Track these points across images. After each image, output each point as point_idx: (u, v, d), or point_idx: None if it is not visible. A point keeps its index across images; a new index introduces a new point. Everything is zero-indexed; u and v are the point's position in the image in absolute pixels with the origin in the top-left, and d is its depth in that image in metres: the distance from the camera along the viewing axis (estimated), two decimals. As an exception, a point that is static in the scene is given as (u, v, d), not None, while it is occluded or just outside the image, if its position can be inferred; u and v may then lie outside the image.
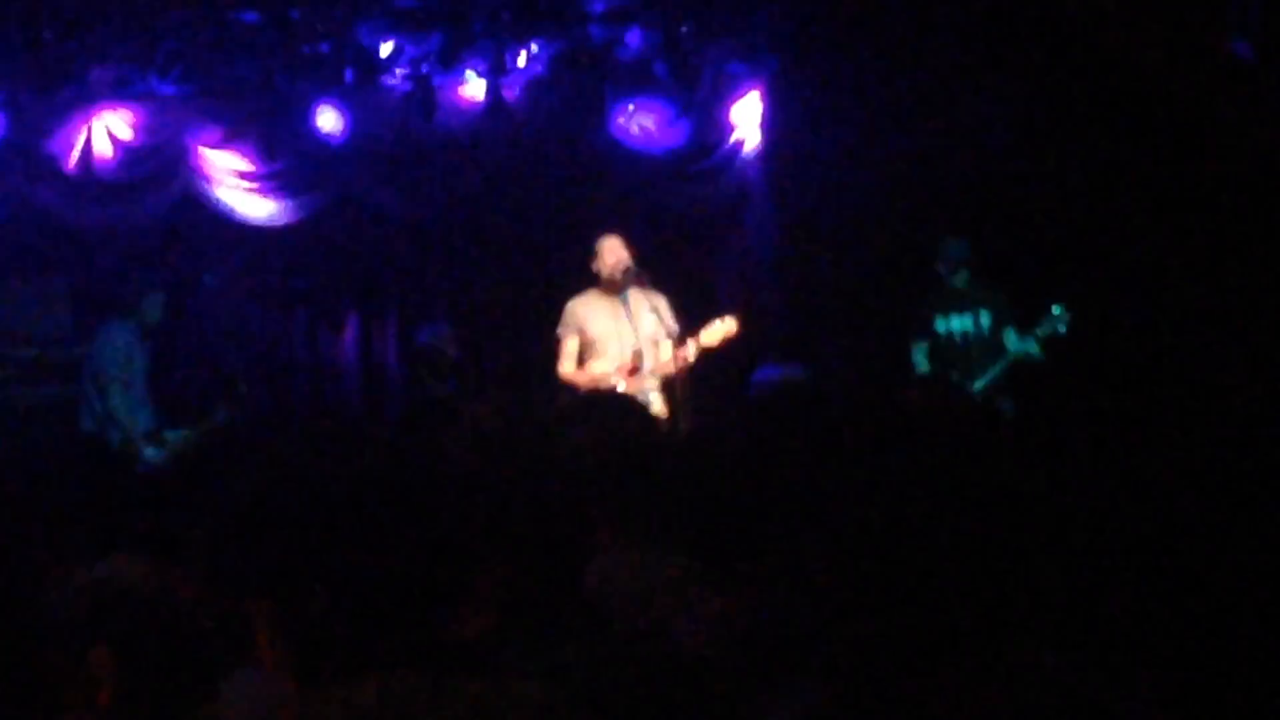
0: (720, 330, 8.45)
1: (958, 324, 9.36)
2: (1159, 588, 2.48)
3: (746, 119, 11.43)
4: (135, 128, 10.28)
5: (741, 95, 11.40)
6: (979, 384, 9.08)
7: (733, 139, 11.47)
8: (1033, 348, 8.97)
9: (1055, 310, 8.90)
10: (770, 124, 11.35)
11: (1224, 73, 8.99)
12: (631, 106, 11.06)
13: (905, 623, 1.93)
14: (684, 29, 10.86)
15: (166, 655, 2.09)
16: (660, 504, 2.98)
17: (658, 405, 8.40)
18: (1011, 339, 9.15)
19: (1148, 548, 2.54)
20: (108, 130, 10.20)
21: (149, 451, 8.88)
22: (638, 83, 11.05)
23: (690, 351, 8.29)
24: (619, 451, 3.08)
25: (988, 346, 9.24)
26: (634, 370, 8.41)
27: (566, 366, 8.60)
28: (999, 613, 2.34)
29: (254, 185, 10.50)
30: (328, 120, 10.49)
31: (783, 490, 2.06)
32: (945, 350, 9.38)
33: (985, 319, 9.31)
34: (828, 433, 2.14)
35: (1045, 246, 9.78)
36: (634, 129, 11.13)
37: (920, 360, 9.44)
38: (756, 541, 2.31)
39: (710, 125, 11.38)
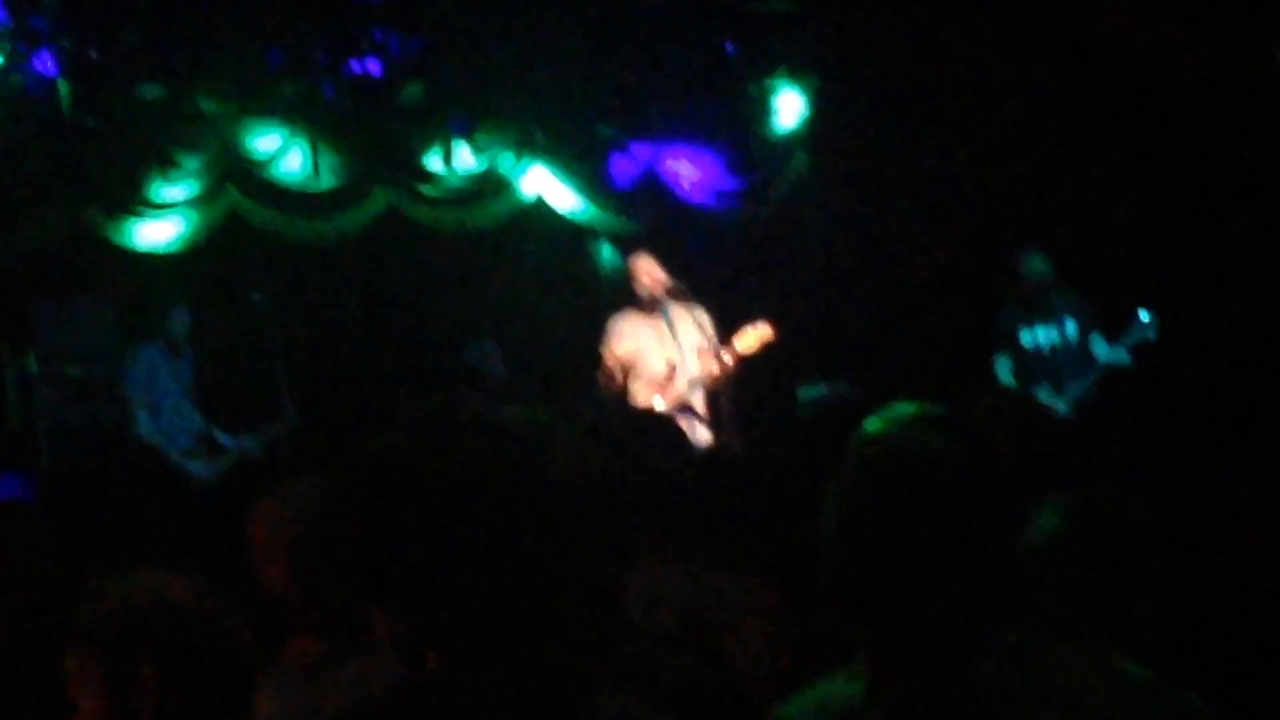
0: (755, 336, 8.39)
1: (1043, 335, 9.26)
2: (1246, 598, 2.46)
3: (789, 117, 11.39)
4: (184, 144, 10.32)
5: (787, 109, 11.37)
6: (1070, 395, 8.99)
7: (778, 155, 11.45)
8: (1123, 356, 8.88)
9: (1143, 316, 8.80)
10: (816, 137, 11.32)
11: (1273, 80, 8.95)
12: (670, 162, 11.08)
13: (949, 638, 1.91)
14: (729, 46, 10.86)
15: (205, 672, 2.07)
16: (701, 522, 2.96)
17: (701, 422, 8.38)
18: (1101, 347, 9.03)
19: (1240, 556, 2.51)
20: (159, 147, 10.24)
21: (194, 466, 8.91)
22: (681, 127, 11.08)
23: (728, 359, 8.26)
24: (651, 470, 3.06)
25: (1076, 356, 9.13)
26: (669, 380, 8.38)
27: (611, 384, 8.58)
28: (1046, 626, 2.31)
29: (301, 202, 10.54)
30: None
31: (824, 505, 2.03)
32: (1031, 362, 9.26)
33: (1071, 328, 9.20)
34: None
35: (1112, 255, 9.71)
36: (685, 184, 11.16)
37: (1004, 373, 9.32)
38: (802, 558, 2.28)
39: (755, 150, 11.40)
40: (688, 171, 11.18)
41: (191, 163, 10.33)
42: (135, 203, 10.18)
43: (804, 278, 11.56)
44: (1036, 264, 9.24)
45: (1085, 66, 10.13)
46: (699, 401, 8.44)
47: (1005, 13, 10.14)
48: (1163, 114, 9.94)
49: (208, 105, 10.28)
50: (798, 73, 11.22)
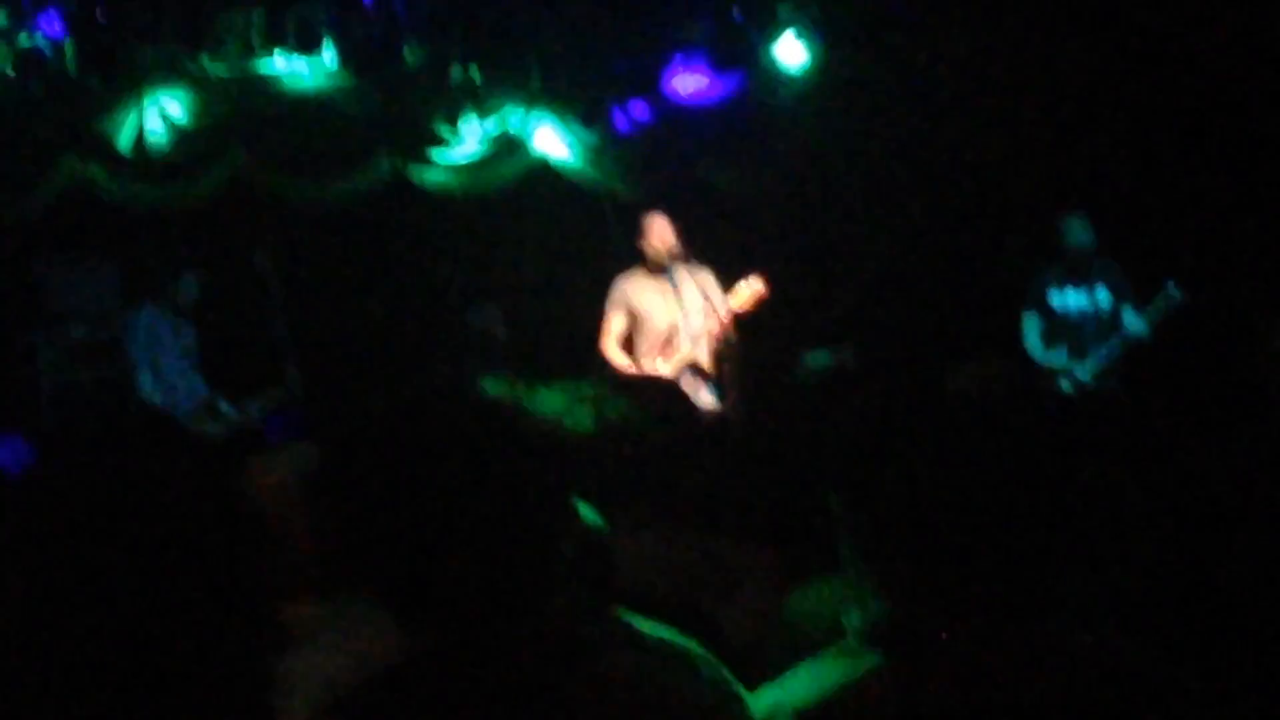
0: (747, 292, 8.37)
1: (1074, 300, 9.25)
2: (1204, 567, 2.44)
3: (791, 59, 11.34)
4: (187, 108, 10.30)
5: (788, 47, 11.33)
6: (1090, 363, 9.02)
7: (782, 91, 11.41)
8: (1143, 328, 8.89)
9: (1170, 290, 8.79)
10: (820, 101, 11.29)
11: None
12: (680, 74, 11.03)
13: (943, 602, 1.90)
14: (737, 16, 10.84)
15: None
16: (702, 488, 2.94)
17: (705, 384, 8.37)
18: (1130, 318, 9.03)
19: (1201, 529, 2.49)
20: (160, 110, 10.22)
21: (196, 428, 8.90)
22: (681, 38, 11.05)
23: (724, 315, 8.25)
24: (643, 434, 3.05)
25: (1104, 324, 9.14)
26: (670, 341, 8.38)
27: (609, 343, 8.58)
28: (1035, 591, 2.29)
29: (308, 165, 10.53)
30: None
31: (826, 472, 2.02)
32: (1058, 325, 9.26)
33: (1103, 296, 9.19)
34: (873, 415, 2.10)
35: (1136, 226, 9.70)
36: (685, 93, 11.10)
37: (1030, 333, 9.31)
38: (804, 524, 2.27)
39: (758, 77, 11.36)
40: (689, 82, 11.11)
41: (197, 124, 10.32)
42: (140, 164, 10.18)
43: (807, 244, 11.53)
44: (1077, 230, 9.22)
45: (1097, 32, 10.10)
46: (702, 363, 8.43)
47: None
48: (1159, 83, 9.93)
49: (213, 68, 10.25)
50: (801, 35, 11.16)
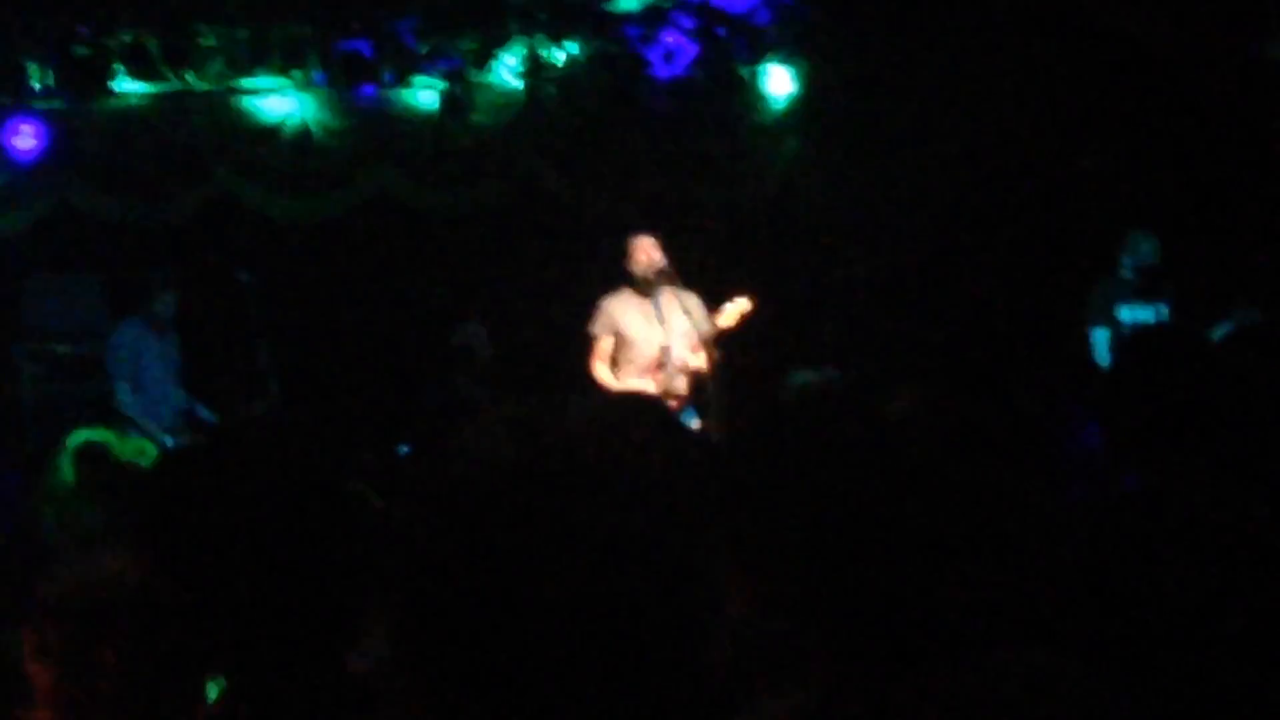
0: (735, 310, 8.37)
1: (1141, 315, 9.25)
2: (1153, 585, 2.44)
3: (779, 91, 11.40)
4: (168, 125, 10.30)
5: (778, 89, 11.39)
6: None
7: (769, 141, 11.47)
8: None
9: (1234, 316, 8.79)
10: (807, 121, 11.33)
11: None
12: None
13: (900, 622, 1.89)
14: (720, 31, 10.84)
15: (164, 657, 2.03)
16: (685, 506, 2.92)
17: (688, 407, 8.37)
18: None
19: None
20: (141, 127, 10.21)
21: (169, 441, 8.88)
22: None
23: (710, 335, 8.25)
24: (636, 454, 3.02)
25: None
26: (660, 366, 8.36)
27: (597, 365, 8.57)
28: (991, 611, 2.29)
29: (291, 182, 10.53)
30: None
31: (806, 494, 2.01)
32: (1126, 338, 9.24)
33: (1166, 313, 9.21)
34: (860, 437, 2.09)
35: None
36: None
37: (1101, 346, 9.29)
38: (782, 548, 2.26)
39: (747, 138, 11.43)
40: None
41: (184, 141, 10.33)
42: (122, 180, 10.18)
43: (794, 264, 11.54)
44: (1146, 247, 9.22)
45: (1083, 50, 10.13)
46: (684, 387, 8.42)
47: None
48: (1142, 97, 9.97)
49: (199, 84, 10.24)
50: (789, 58, 11.19)
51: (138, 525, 2.01)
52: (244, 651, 1.84)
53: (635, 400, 3.89)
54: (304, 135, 10.54)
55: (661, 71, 11.05)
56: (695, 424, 8.31)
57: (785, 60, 11.23)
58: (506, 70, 10.82)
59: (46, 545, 3.39)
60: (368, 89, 10.51)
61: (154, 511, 1.91)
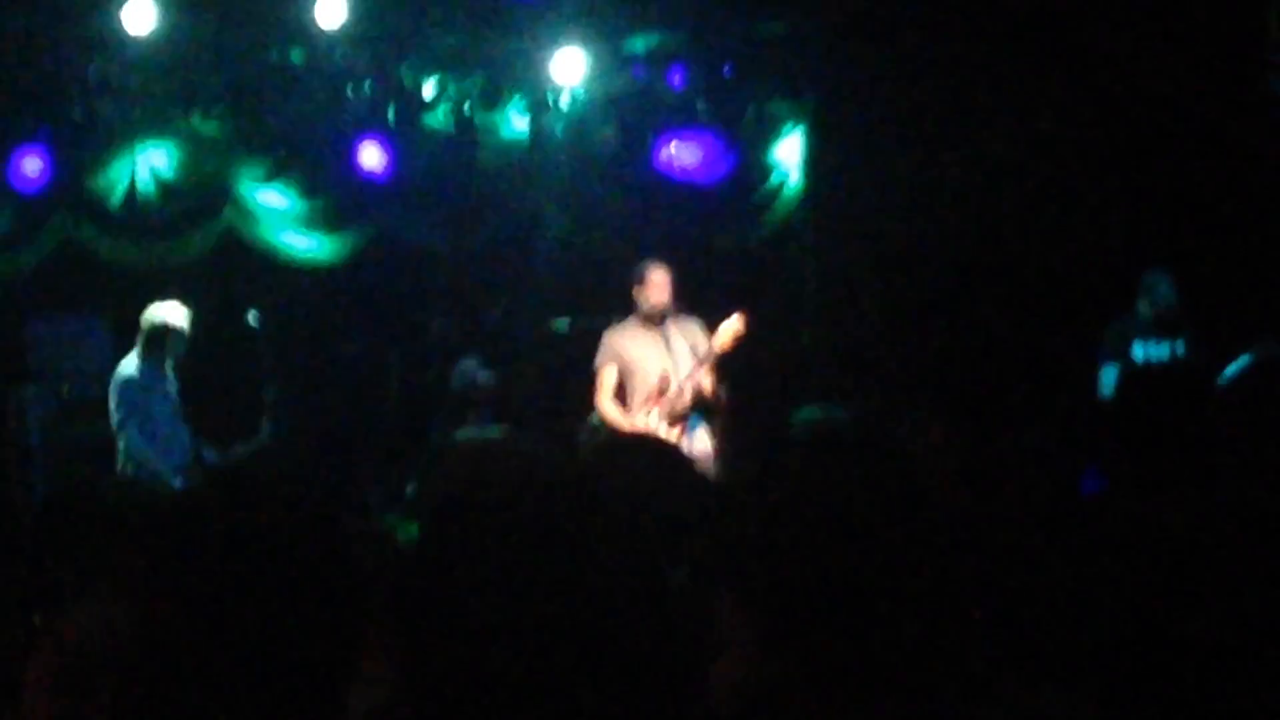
0: (729, 331, 8.41)
1: (1155, 353, 9.22)
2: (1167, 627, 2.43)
3: (789, 158, 11.45)
4: (178, 165, 10.33)
5: (784, 135, 11.43)
6: None
7: (775, 178, 11.49)
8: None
9: (1254, 351, 8.75)
10: (813, 163, 11.36)
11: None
12: (674, 144, 11.09)
13: (906, 663, 1.88)
14: (726, 68, 10.88)
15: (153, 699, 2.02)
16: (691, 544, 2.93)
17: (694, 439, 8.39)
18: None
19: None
20: (151, 168, 10.24)
21: (178, 483, 8.85)
22: (680, 120, 11.09)
23: (706, 358, 8.29)
24: (646, 495, 3.03)
25: None
26: (661, 393, 8.37)
27: (604, 399, 8.57)
28: (1001, 651, 2.28)
29: (296, 221, 10.54)
30: (371, 157, 10.49)
31: (813, 533, 2.00)
32: None
33: (1181, 352, 9.18)
34: (867, 475, 2.09)
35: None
36: (677, 165, 11.17)
37: (1108, 383, 9.25)
38: (786, 583, 2.25)
39: (753, 164, 11.44)
40: (683, 155, 11.18)
41: (188, 182, 10.35)
42: (130, 220, 10.19)
43: (800, 302, 11.55)
44: (1163, 286, 9.20)
45: (1088, 88, 10.15)
46: (687, 405, 8.44)
47: (1002, 32, 10.15)
48: (1163, 136, 9.97)
49: (204, 128, 10.27)
50: (795, 94, 11.24)
51: (138, 569, 2.01)
52: (244, 694, 1.83)
53: (642, 439, 3.91)
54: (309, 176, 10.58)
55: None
56: (703, 431, 8.36)
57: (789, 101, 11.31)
58: (514, 111, 10.88)
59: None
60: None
61: (153, 556, 1.91)
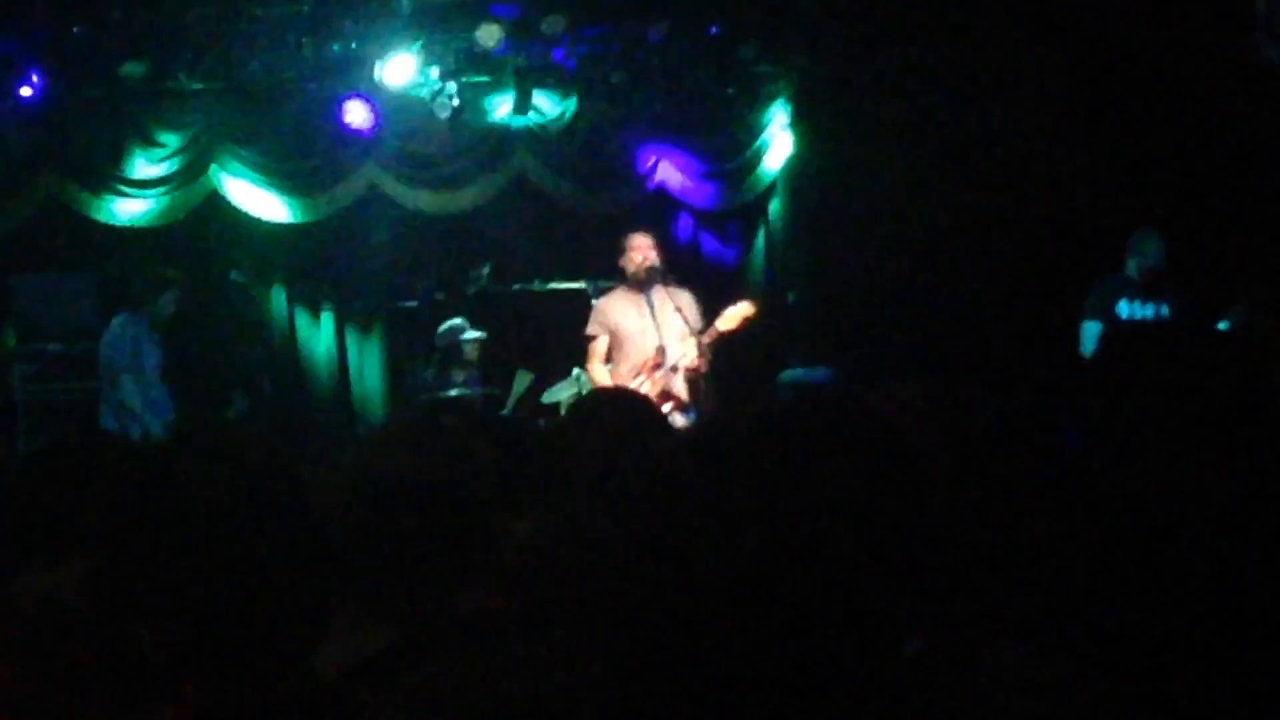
0: (737, 314, 8.41)
1: (1140, 313, 9.22)
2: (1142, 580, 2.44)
3: (774, 123, 11.47)
4: (166, 122, 10.29)
5: (769, 100, 11.44)
6: None
7: (761, 143, 11.51)
8: None
9: (1241, 310, 8.78)
10: (797, 128, 11.38)
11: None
12: (653, 159, 11.14)
13: (884, 617, 1.88)
14: (711, 32, 10.85)
15: (92, 680, 1.99)
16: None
17: (681, 409, 8.38)
18: None
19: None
20: (138, 127, 10.20)
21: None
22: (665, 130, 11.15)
23: (708, 340, 8.27)
24: (623, 449, 3.05)
25: None
26: (656, 366, 8.37)
27: (595, 366, 8.57)
28: (973, 607, 2.29)
29: (282, 181, 10.51)
30: (357, 115, 10.42)
31: (801, 492, 2.01)
32: None
33: (1166, 313, 9.18)
34: (856, 435, 2.09)
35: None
36: (674, 184, 11.23)
37: (1089, 339, 9.23)
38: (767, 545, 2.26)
39: (738, 129, 11.45)
40: (668, 161, 11.26)
41: (173, 140, 10.32)
42: (116, 179, 10.17)
43: (788, 261, 11.56)
44: (1151, 245, 9.20)
45: (1077, 53, 10.14)
46: (680, 387, 8.42)
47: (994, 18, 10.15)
48: (1151, 100, 9.98)
49: (190, 83, 10.23)
50: (782, 57, 11.23)
51: (96, 529, 2.00)
52: (206, 657, 1.83)
53: (616, 394, 3.93)
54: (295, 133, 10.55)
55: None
56: (685, 423, 8.33)
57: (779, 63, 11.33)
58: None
59: None
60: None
61: (112, 515, 1.90)
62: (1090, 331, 9.20)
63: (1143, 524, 2.53)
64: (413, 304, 10.98)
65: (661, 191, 11.31)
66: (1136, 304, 9.23)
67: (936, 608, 1.89)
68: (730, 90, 11.29)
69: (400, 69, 10.20)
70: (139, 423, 8.93)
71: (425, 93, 10.51)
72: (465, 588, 2.26)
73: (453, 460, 2.29)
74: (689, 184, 11.40)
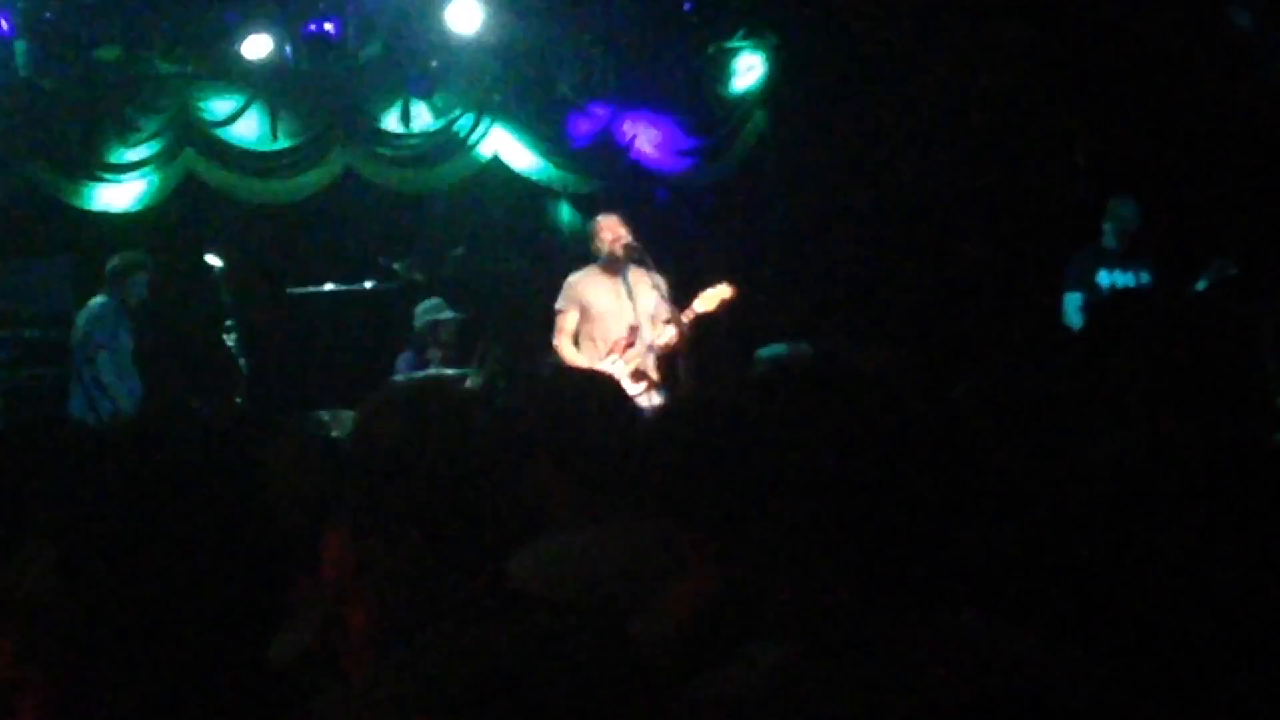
0: (716, 295, 8.42)
1: (1120, 281, 9.25)
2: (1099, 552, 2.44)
3: (752, 93, 11.44)
4: (141, 106, 10.23)
5: (746, 70, 11.40)
6: None
7: (738, 113, 11.48)
8: None
9: (1222, 264, 8.81)
10: (775, 98, 11.35)
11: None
12: (627, 124, 11.10)
13: (862, 585, 1.88)
14: (687, 4, 10.83)
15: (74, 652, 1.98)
16: (639, 481, 2.93)
17: (655, 388, 8.38)
18: None
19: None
20: (116, 109, 10.15)
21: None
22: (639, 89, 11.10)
23: (687, 320, 8.27)
24: (578, 427, 3.06)
25: None
26: (629, 345, 8.36)
27: (563, 341, 8.57)
28: (964, 579, 2.28)
29: (259, 164, 10.47)
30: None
31: (780, 466, 2.00)
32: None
33: (1146, 279, 9.20)
34: (834, 408, 2.08)
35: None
36: (647, 150, 11.18)
37: (1072, 310, 9.28)
38: (745, 515, 2.25)
39: (715, 99, 11.42)
40: (646, 135, 11.21)
41: (149, 124, 10.26)
42: (92, 164, 10.11)
43: (763, 238, 11.55)
44: (1127, 210, 9.22)
45: (1053, 19, 10.16)
46: (653, 366, 8.42)
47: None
48: (1126, 67, 10.00)
49: (165, 67, 10.17)
50: (757, 32, 11.20)
51: (53, 518, 1.98)
52: (162, 645, 1.81)
53: (588, 376, 3.92)
54: (272, 117, 10.50)
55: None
56: (659, 402, 8.33)
57: (752, 37, 11.28)
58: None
59: None
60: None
61: (68, 501, 1.89)
62: (1073, 303, 9.23)
63: (1128, 490, 2.53)
64: (389, 285, 10.93)
65: (638, 166, 11.30)
66: (1116, 272, 9.26)
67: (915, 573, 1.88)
68: (704, 64, 11.29)
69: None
70: (111, 400, 8.95)
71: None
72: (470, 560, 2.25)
73: (452, 431, 2.28)
74: (665, 158, 11.38)
